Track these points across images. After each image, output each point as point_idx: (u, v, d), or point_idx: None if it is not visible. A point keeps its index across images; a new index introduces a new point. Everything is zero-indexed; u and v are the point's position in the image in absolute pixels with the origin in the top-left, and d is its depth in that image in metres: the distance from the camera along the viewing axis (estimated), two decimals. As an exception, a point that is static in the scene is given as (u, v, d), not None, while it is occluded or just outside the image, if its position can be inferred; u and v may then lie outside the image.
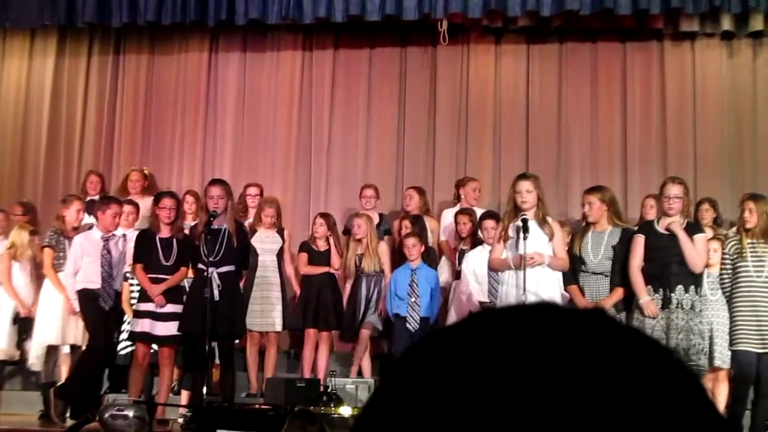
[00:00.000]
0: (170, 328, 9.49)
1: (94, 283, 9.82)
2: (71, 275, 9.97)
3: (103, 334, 9.83)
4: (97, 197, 11.73)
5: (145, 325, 9.52)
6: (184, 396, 9.93)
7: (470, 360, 0.72)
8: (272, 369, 10.68)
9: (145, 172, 12.58)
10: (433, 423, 0.70)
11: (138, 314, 9.65)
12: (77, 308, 9.99)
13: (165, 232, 9.74)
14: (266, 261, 10.78)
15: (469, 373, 0.71)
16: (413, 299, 10.22)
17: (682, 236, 8.53)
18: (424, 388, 0.72)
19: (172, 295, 9.64)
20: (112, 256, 9.94)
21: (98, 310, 9.80)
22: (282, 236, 10.99)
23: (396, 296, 10.31)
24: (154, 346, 9.75)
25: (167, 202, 9.83)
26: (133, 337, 9.75)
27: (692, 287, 8.53)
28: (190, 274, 9.96)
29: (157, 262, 9.65)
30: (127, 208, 11.08)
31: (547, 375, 0.70)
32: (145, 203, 11.07)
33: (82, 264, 9.90)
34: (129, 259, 10.11)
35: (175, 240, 9.74)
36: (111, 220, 10.00)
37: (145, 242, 9.75)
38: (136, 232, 10.26)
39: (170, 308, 9.55)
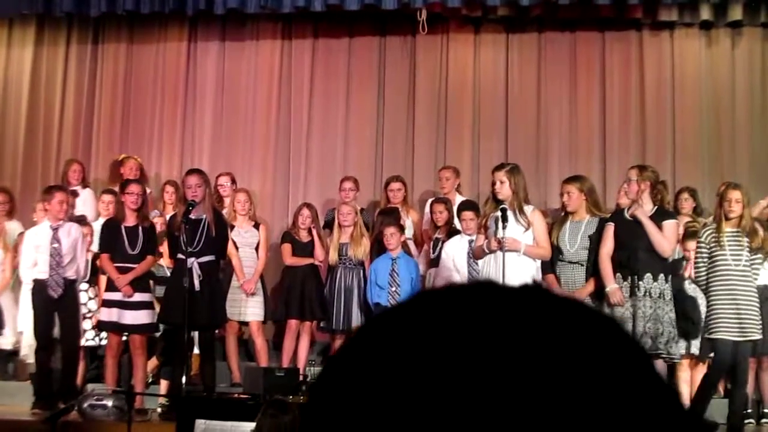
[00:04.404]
0: (138, 317, 9.52)
1: (43, 273, 9.77)
2: (29, 267, 9.97)
3: (44, 330, 9.75)
4: (79, 187, 11.72)
5: (113, 315, 9.51)
6: (163, 385, 9.94)
7: (406, 346, 0.73)
8: (264, 359, 10.63)
9: (139, 160, 12.50)
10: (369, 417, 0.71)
11: (106, 303, 9.65)
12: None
13: (131, 221, 9.70)
14: (245, 254, 10.74)
15: (406, 359, 0.72)
16: (393, 288, 10.22)
17: (646, 222, 8.57)
18: (359, 383, 0.73)
19: (139, 283, 9.64)
20: (62, 244, 9.82)
21: (43, 303, 9.74)
22: (258, 230, 10.94)
23: (376, 285, 10.31)
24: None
25: (134, 188, 9.80)
26: (102, 326, 9.76)
27: (661, 275, 8.56)
28: (170, 263, 9.96)
29: (122, 252, 9.61)
30: (107, 197, 11.05)
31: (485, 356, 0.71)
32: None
33: (36, 255, 9.89)
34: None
35: (140, 228, 9.72)
36: (58, 207, 9.88)
37: (110, 232, 9.73)
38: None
39: (138, 297, 9.56)
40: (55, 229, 9.86)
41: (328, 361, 0.79)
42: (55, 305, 9.77)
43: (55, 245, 9.80)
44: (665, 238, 8.59)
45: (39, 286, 9.80)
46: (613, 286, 8.53)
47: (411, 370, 0.71)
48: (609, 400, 0.70)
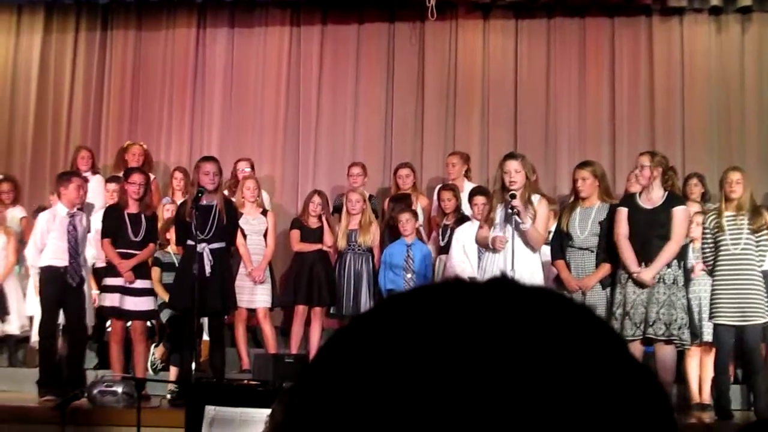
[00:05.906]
0: (139, 303, 9.58)
1: (61, 260, 9.59)
2: (37, 250, 9.74)
3: (52, 318, 9.60)
4: (89, 173, 11.66)
5: (114, 300, 9.55)
6: (173, 372, 9.95)
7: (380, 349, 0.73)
8: (273, 345, 10.63)
9: (144, 146, 12.45)
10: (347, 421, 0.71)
11: (106, 289, 9.67)
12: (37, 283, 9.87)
13: (133, 208, 9.73)
14: (253, 242, 10.71)
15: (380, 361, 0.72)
16: (409, 275, 10.22)
17: (661, 262, 8.52)
18: (334, 390, 0.73)
19: (140, 270, 9.67)
20: (78, 232, 9.73)
21: (56, 290, 9.55)
22: (266, 217, 10.91)
23: (390, 271, 10.31)
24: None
25: (136, 177, 9.82)
26: (102, 311, 9.79)
27: (674, 261, 8.56)
28: (177, 250, 9.97)
29: (125, 238, 9.65)
30: (111, 185, 10.96)
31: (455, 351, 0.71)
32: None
33: (48, 241, 9.70)
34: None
35: (143, 216, 9.74)
36: (75, 193, 9.77)
37: (113, 217, 9.74)
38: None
39: (139, 284, 9.62)
40: (72, 216, 9.74)
41: (303, 368, 0.80)
42: (66, 293, 9.62)
43: (72, 232, 9.71)
44: (675, 243, 8.58)
45: (52, 273, 9.58)
46: (638, 268, 8.49)
47: (382, 371, 0.71)
48: (584, 387, 0.70)
